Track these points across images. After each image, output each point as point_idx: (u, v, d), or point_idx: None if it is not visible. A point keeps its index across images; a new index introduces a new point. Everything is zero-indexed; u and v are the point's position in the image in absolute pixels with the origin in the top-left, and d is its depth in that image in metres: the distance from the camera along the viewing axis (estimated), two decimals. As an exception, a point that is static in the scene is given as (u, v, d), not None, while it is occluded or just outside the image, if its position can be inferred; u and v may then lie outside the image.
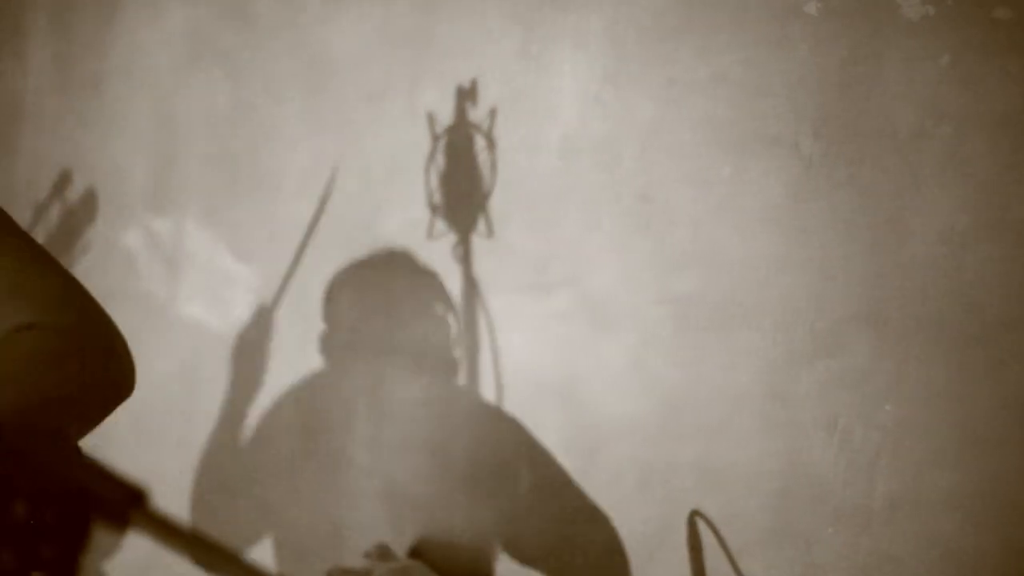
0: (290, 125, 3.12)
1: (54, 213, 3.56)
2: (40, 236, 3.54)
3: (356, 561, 2.81)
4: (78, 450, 1.66)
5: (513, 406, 2.74)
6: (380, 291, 2.97)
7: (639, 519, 2.57)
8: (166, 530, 0.96)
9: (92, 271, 3.48)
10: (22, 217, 3.53)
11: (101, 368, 1.73)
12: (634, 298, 2.57)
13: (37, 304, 1.73)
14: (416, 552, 2.83)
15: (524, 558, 2.73)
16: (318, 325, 3.05)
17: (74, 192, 3.53)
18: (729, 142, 2.43)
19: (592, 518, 2.64)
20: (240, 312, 3.22)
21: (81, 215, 3.52)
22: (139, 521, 0.96)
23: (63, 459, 1.00)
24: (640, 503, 2.57)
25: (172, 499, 1.94)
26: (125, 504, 0.97)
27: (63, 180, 3.55)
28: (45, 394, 1.28)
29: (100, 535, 1.00)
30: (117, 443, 3.27)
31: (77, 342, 1.70)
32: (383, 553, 2.78)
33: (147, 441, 3.32)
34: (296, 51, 3.10)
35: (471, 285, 2.80)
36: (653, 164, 2.54)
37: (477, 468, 2.80)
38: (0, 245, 1.83)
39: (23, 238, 1.89)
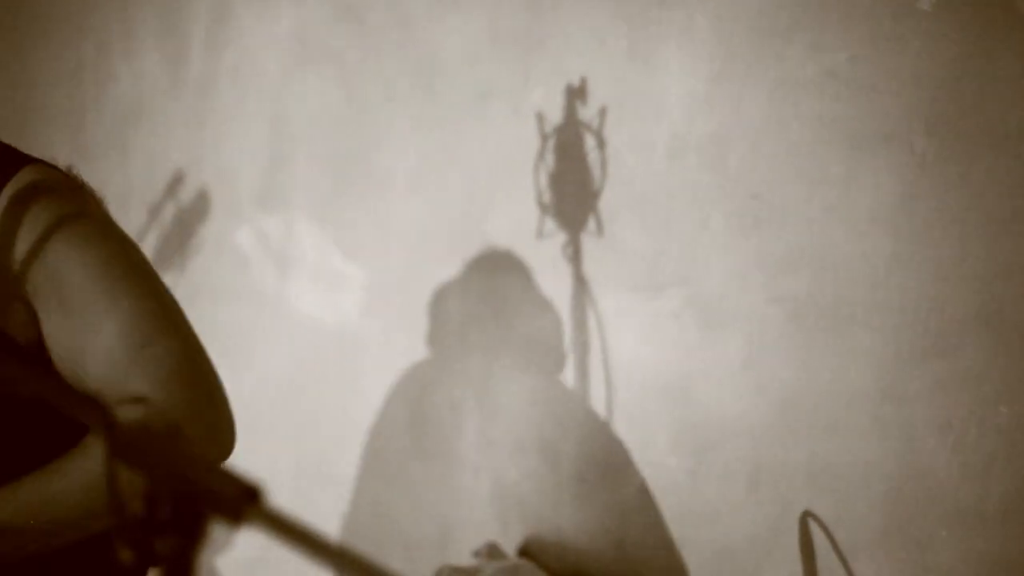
0: (399, 125, 3.15)
1: (167, 213, 3.63)
2: (154, 235, 3.62)
3: (465, 560, 2.85)
4: (193, 448, 1.72)
5: (623, 405, 2.76)
6: (489, 290, 3.00)
7: (750, 520, 2.57)
8: (279, 526, 0.97)
9: (204, 269, 3.55)
10: (137, 217, 3.61)
11: (209, 441, 1.82)
12: (745, 297, 2.57)
13: (152, 377, 1.78)
14: (525, 551, 2.85)
15: (633, 559, 2.75)
16: (427, 324, 3.09)
17: (187, 192, 3.60)
18: (840, 140, 2.43)
19: (702, 519, 2.65)
20: (349, 310, 3.27)
21: (194, 214, 3.58)
22: (253, 517, 0.97)
23: (180, 455, 1.03)
24: (751, 504, 2.57)
25: (284, 495, 1.99)
26: (240, 501, 0.98)
27: (176, 180, 3.61)
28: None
29: (214, 531, 1.03)
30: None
31: (181, 425, 1.76)
32: (492, 552, 2.81)
33: (258, 437, 3.37)
34: (405, 51, 3.13)
35: (581, 284, 2.82)
36: (763, 163, 2.54)
37: (586, 467, 2.81)
38: (131, 300, 1.87)
39: (157, 292, 1.92)
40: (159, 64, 3.69)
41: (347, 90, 3.26)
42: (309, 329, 3.34)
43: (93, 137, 3.81)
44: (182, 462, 1.01)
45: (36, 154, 2.00)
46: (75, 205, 1.92)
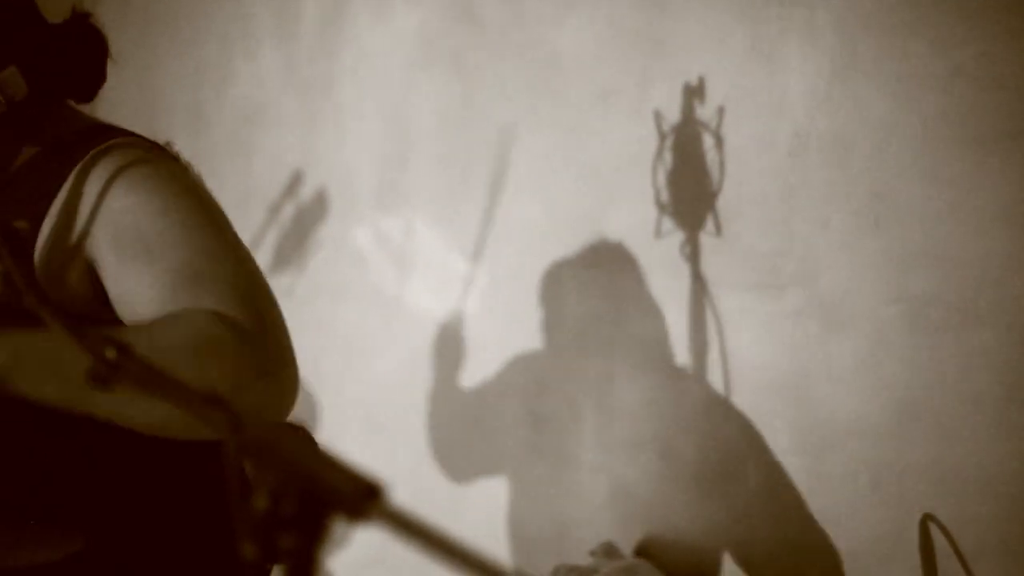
0: (517, 124, 3.18)
1: (287, 212, 3.69)
2: (273, 234, 3.68)
3: (582, 559, 2.87)
4: (316, 444, 1.74)
5: (742, 405, 2.77)
6: (607, 290, 3.03)
7: (871, 522, 2.57)
8: (401, 524, 0.98)
9: (323, 268, 3.61)
10: (256, 216, 3.69)
11: (260, 377, 1.74)
12: (866, 297, 2.57)
13: (218, 295, 1.75)
14: (642, 551, 2.87)
15: (751, 561, 2.76)
16: (545, 323, 3.12)
17: (306, 191, 3.66)
18: (964, 138, 2.42)
19: (823, 520, 2.65)
20: (467, 309, 3.31)
21: (313, 214, 3.64)
22: (375, 515, 0.99)
23: (303, 453, 1.06)
24: (871, 505, 2.57)
25: (401, 493, 2.04)
26: (362, 498, 0.99)
27: (295, 180, 3.67)
28: (194, 379, 1.31)
29: (336, 528, 1.04)
30: (348, 436, 3.41)
31: (249, 343, 1.71)
32: (609, 551, 2.83)
33: (376, 435, 3.43)
34: (524, 51, 3.17)
35: (699, 283, 2.83)
36: (885, 161, 2.53)
37: (705, 467, 2.83)
38: (198, 230, 1.89)
39: (224, 229, 1.93)
40: (279, 65, 3.76)
41: (465, 90, 3.30)
42: (427, 328, 3.38)
43: (213, 137, 3.89)
44: (306, 459, 1.03)
45: (156, 153, 2.05)
46: (139, 155, 1.94)
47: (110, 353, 1.17)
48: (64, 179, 1.91)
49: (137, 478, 1.90)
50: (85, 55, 2.12)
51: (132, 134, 2.03)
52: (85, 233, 1.86)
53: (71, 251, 1.87)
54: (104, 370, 1.17)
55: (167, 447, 1.83)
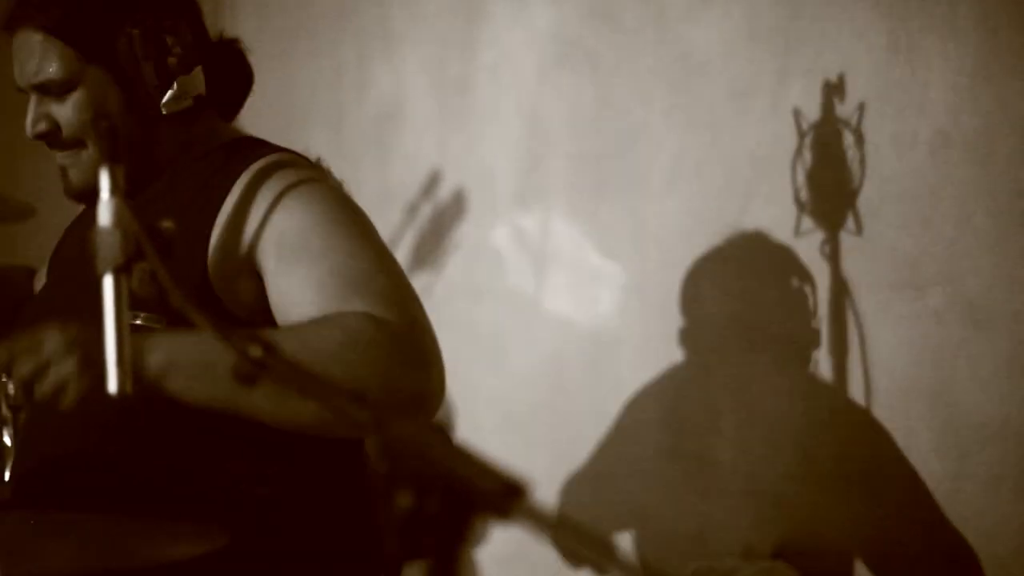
0: (655, 123, 3.20)
1: (424, 212, 3.74)
2: (411, 235, 3.74)
3: (720, 560, 2.88)
4: (455, 443, 1.79)
5: (882, 407, 2.76)
6: (746, 289, 3.03)
7: (1014, 529, 2.55)
8: (545, 523, 1.01)
9: (461, 268, 3.66)
10: (394, 217, 3.75)
11: (408, 376, 1.82)
12: (1011, 297, 2.55)
13: (370, 298, 1.84)
14: (781, 553, 2.87)
15: (890, 565, 2.75)
16: (683, 323, 3.13)
17: (444, 191, 3.71)
18: (1112, 134, 2.39)
19: (967, 526, 2.63)
20: (606, 309, 3.33)
21: (450, 214, 3.69)
22: (517, 514, 1.01)
23: (447, 452, 1.09)
24: (1016, 511, 2.55)
25: (540, 492, 2.08)
26: (506, 497, 1.02)
27: (433, 180, 3.73)
28: (343, 378, 1.35)
29: (478, 526, 1.06)
30: (484, 435, 3.46)
31: (398, 344, 1.80)
32: (748, 553, 2.84)
33: (514, 435, 3.47)
34: (660, 49, 3.19)
35: (839, 283, 2.83)
36: (1030, 158, 2.52)
37: (843, 469, 2.82)
38: (350, 240, 1.96)
39: (373, 239, 2.01)
40: (417, 65, 3.81)
41: (602, 88, 3.33)
42: (565, 328, 3.41)
43: (352, 138, 3.95)
44: (450, 458, 1.06)
45: (296, 154, 2.13)
46: (303, 175, 2.03)
47: (256, 351, 1.22)
48: (227, 191, 2.02)
49: (281, 475, 1.97)
50: (235, 77, 2.23)
51: (285, 150, 2.13)
52: (254, 245, 1.96)
53: (241, 261, 1.97)
54: (250, 368, 1.22)
55: (311, 445, 1.90)
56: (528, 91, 3.51)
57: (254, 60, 2.28)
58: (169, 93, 1.99)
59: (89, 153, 2.07)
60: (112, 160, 1.46)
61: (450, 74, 3.72)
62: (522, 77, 3.52)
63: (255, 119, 2.40)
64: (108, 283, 1.42)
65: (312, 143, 2.22)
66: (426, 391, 1.83)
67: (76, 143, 2.08)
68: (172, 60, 2.05)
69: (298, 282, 1.91)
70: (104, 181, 1.46)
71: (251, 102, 2.33)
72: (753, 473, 2.98)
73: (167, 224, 1.42)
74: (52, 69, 2.04)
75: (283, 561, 1.99)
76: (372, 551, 2.10)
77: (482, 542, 3.45)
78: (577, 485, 3.31)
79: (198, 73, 2.08)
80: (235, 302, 1.96)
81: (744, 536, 2.92)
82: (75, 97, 2.05)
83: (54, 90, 2.06)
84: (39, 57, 2.04)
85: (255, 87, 2.31)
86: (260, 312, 1.96)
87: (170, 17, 2.07)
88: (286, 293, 1.93)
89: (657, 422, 3.18)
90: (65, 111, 2.06)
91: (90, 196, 2.08)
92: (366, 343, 1.77)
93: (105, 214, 1.45)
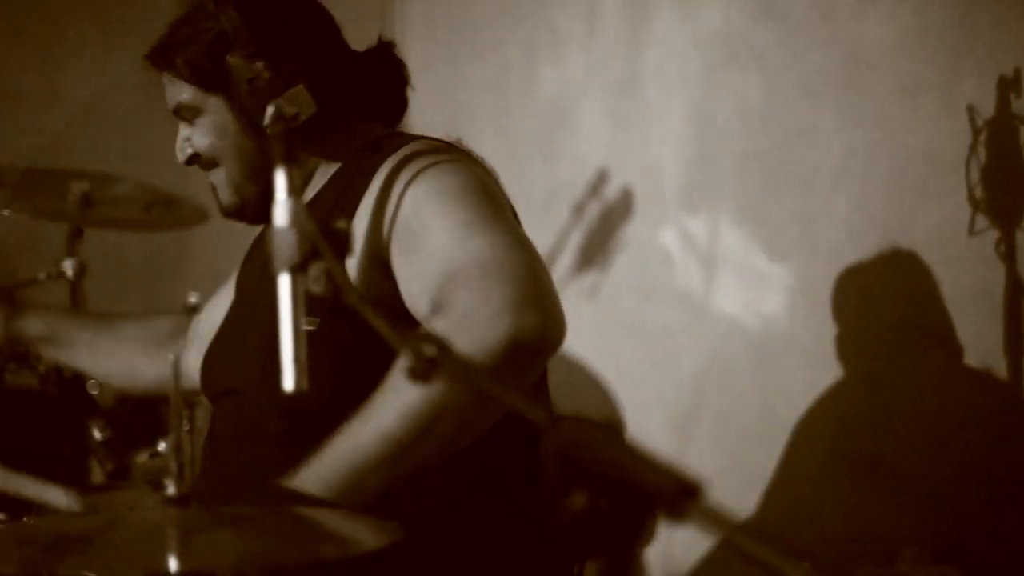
0: (823, 121, 3.20)
1: (592, 212, 3.77)
2: (578, 234, 3.77)
3: (888, 563, 2.86)
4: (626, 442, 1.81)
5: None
6: (917, 289, 3.01)
7: None
8: (719, 525, 1.03)
9: (629, 268, 3.68)
10: (562, 216, 3.78)
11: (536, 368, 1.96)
12: None
13: (506, 293, 1.88)
14: (948, 557, 2.84)
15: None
16: (853, 325, 3.12)
17: (611, 191, 3.73)
18: None
19: None
20: (774, 310, 3.33)
21: (618, 214, 3.71)
22: (692, 514, 1.03)
23: (620, 451, 1.11)
24: None
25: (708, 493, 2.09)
26: (680, 497, 1.04)
27: (600, 179, 3.75)
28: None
29: (653, 526, 1.08)
30: (652, 436, 3.48)
31: (531, 348, 1.86)
32: (915, 556, 2.82)
33: (682, 435, 3.48)
34: (829, 47, 3.18)
35: (1015, 283, 2.80)
36: None
37: (1019, 473, 2.79)
38: (487, 228, 2.01)
39: (500, 218, 2.05)
40: (584, 65, 3.84)
41: (770, 87, 3.33)
42: (733, 329, 3.41)
43: (519, 138, 4.00)
44: (623, 458, 1.08)
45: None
46: (431, 159, 2.10)
47: (430, 351, 1.27)
48: (365, 187, 2.10)
49: (455, 472, 2.02)
50: (386, 82, 2.31)
51: (425, 137, 2.20)
52: (387, 237, 2.03)
53: (376, 254, 2.03)
54: (424, 367, 1.27)
55: (482, 444, 1.94)
56: (695, 90, 3.52)
57: (420, 62, 2.35)
58: (269, 112, 2.06)
59: (223, 172, 2.25)
60: (287, 162, 1.53)
61: (617, 74, 3.74)
62: (689, 76, 3.54)
63: (421, 123, 2.47)
64: (285, 282, 1.48)
65: (477, 142, 2.27)
66: (544, 324, 1.88)
67: (212, 163, 2.26)
68: (260, 84, 2.14)
69: (414, 274, 2.00)
70: (280, 182, 1.53)
71: (417, 104, 2.39)
72: (919, 475, 2.96)
73: (342, 224, 1.48)
74: (179, 99, 2.25)
75: (456, 559, 2.04)
76: (545, 552, 2.13)
77: (652, 541, 3.47)
78: (743, 486, 3.31)
79: (300, 91, 2.15)
80: (372, 295, 2.02)
81: (914, 539, 2.91)
82: (202, 122, 2.25)
83: (186, 116, 2.27)
84: (170, 89, 2.28)
85: (421, 89, 2.38)
86: (395, 303, 2.03)
87: (256, 44, 2.17)
88: (409, 279, 2.02)
89: (826, 426, 3.17)
90: (197, 135, 2.26)
91: (238, 213, 2.25)
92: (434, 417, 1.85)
93: (281, 214, 1.51)
